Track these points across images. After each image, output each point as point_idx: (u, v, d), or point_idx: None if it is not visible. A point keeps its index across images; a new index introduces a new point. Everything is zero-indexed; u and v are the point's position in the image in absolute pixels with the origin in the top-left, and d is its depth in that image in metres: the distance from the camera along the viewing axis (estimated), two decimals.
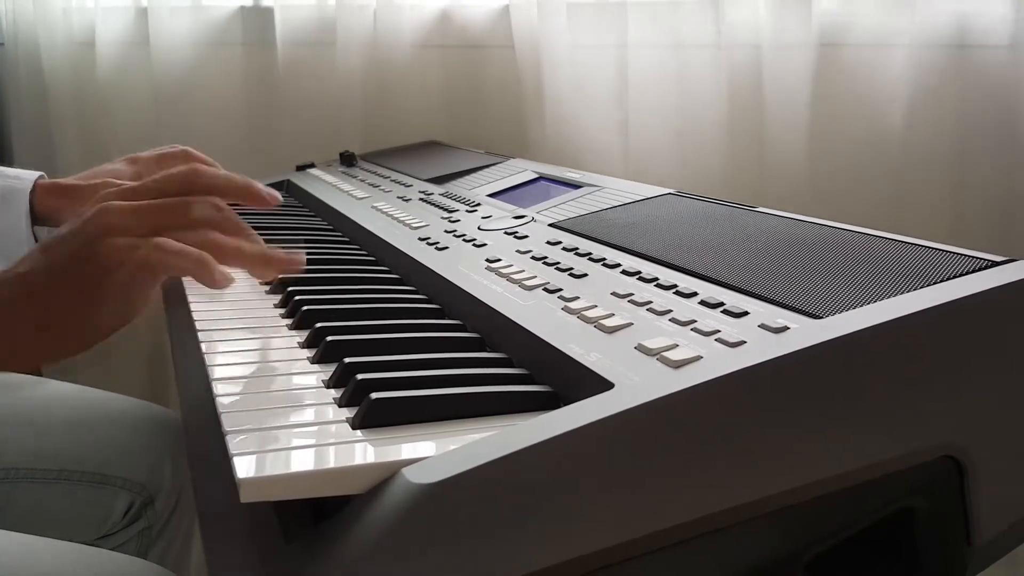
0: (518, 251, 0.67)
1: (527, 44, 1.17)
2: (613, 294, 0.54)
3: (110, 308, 0.50)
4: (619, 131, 1.15)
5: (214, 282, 0.50)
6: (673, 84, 1.12)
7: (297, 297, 0.62)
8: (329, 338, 0.53)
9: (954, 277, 0.48)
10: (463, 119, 1.31)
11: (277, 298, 0.65)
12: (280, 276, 0.57)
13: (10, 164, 1.47)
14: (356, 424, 0.42)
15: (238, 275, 0.66)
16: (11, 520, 0.75)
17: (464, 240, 0.72)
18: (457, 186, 0.95)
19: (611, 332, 0.48)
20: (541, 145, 1.18)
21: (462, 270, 0.64)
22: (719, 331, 0.46)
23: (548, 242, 0.68)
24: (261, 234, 0.82)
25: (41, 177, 0.90)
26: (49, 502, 0.80)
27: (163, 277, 0.50)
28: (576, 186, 0.84)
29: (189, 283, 0.66)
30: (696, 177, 1.11)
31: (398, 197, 0.94)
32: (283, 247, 0.78)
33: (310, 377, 0.49)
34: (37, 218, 0.89)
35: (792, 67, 1.03)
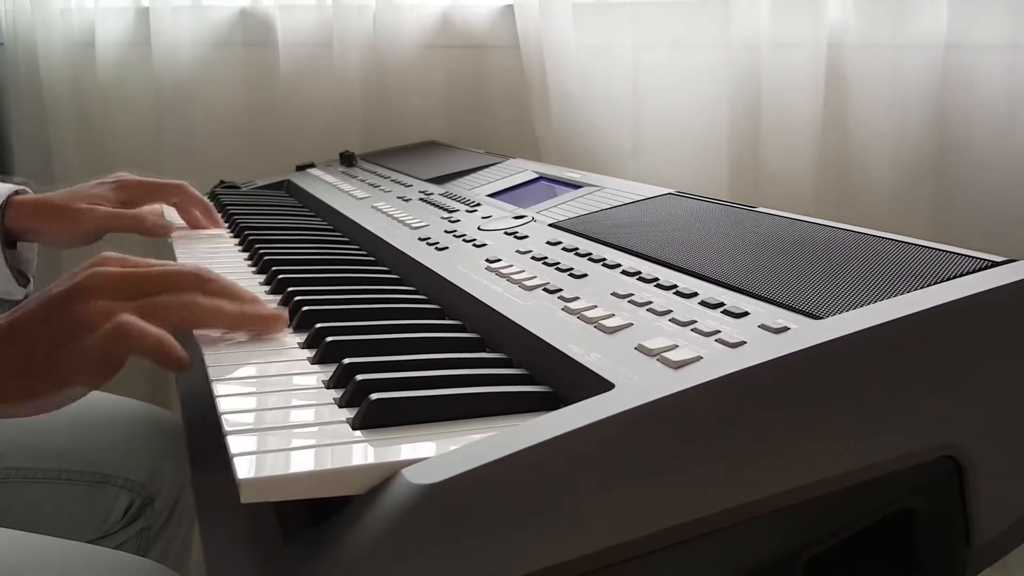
0: (518, 251, 0.67)
1: (532, 44, 1.17)
2: (613, 294, 0.54)
3: (77, 368, 0.50)
4: (627, 130, 1.15)
5: (172, 364, 0.50)
6: (680, 84, 1.12)
7: (297, 297, 0.62)
8: (329, 339, 0.53)
9: (954, 277, 0.48)
10: (463, 119, 1.31)
11: (277, 299, 0.65)
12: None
13: (10, 166, 1.47)
14: (356, 425, 0.42)
15: (237, 275, 0.66)
16: (11, 520, 0.75)
17: (464, 240, 0.72)
18: (457, 186, 0.95)
19: (611, 332, 0.48)
20: (548, 145, 1.18)
21: (462, 270, 0.64)
22: (719, 331, 0.46)
23: (548, 242, 0.68)
24: (262, 235, 0.83)
25: (21, 191, 0.86)
26: (49, 502, 0.80)
27: (126, 354, 0.50)
28: (576, 186, 0.84)
29: None
30: (705, 176, 1.11)
31: (398, 197, 0.94)
32: (284, 247, 0.79)
33: (310, 378, 0.49)
34: (15, 234, 0.85)
35: (799, 68, 1.03)
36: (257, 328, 0.56)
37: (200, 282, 0.54)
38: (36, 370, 0.50)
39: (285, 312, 0.57)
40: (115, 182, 0.88)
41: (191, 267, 0.55)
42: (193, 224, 0.91)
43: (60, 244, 0.88)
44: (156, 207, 0.93)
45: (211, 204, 0.93)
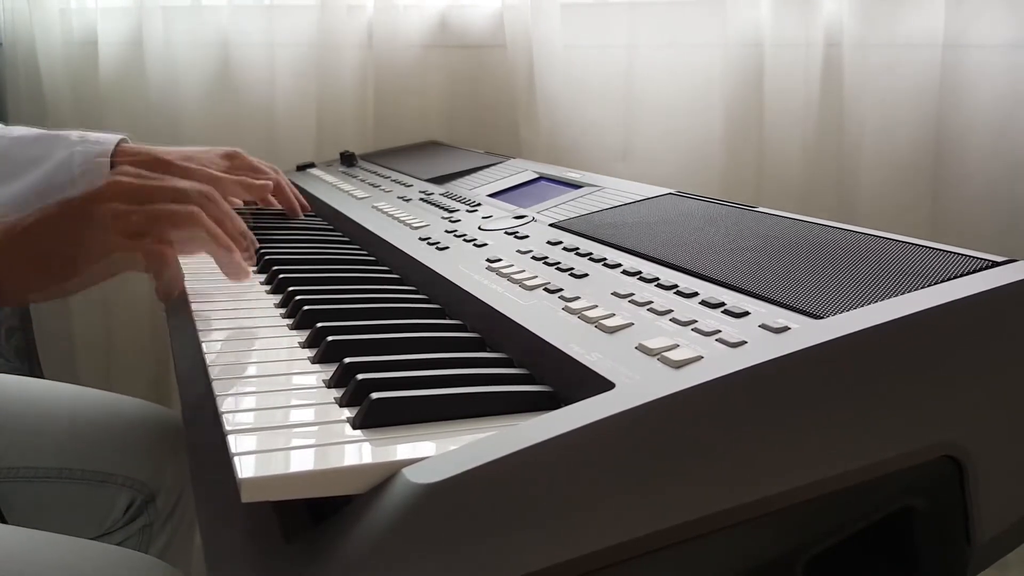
0: (519, 251, 0.67)
1: (520, 44, 1.17)
2: (614, 294, 0.54)
3: (87, 260, 0.59)
4: (617, 132, 1.15)
5: (167, 297, 0.61)
6: (670, 84, 1.12)
7: (298, 297, 0.62)
8: (330, 338, 0.53)
9: (954, 277, 0.48)
10: (463, 119, 1.31)
11: (278, 298, 0.65)
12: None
13: None
14: (357, 424, 0.42)
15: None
16: (12, 519, 0.75)
17: (464, 240, 0.72)
18: (457, 186, 0.95)
19: (612, 332, 0.48)
20: (535, 145, 1.18)
21: (463, 270, 0.64)
22: (720, 331, 0.46)
23: (548, 242, 0.68)
24: (262, 235, 0.83)
25: (124, 140, 0.91)
26: (50, 500, 0.80)
27: (140, 270, 0.60)
28: (576, 186, 0.84)
29: (189, 282, 0.66)
30: (694, 177, 1.11)
31: (398, 197, 0.94)
32: (284, 247, 0.79)
33: (311, 377, 0.49)
34: None
35: (796, 67, 1.03)
36: (228, 273, 0.64)
37: (205, 203, 0.62)
38: (53, 263, 0.59)
39: (251, 272, 0.65)
40: (226, 151, 0.93)
41: (200, 187, 0.63)
42: (289, 208, 0.97)
43: None
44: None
45: (297, 203, 0.97)
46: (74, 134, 0.90)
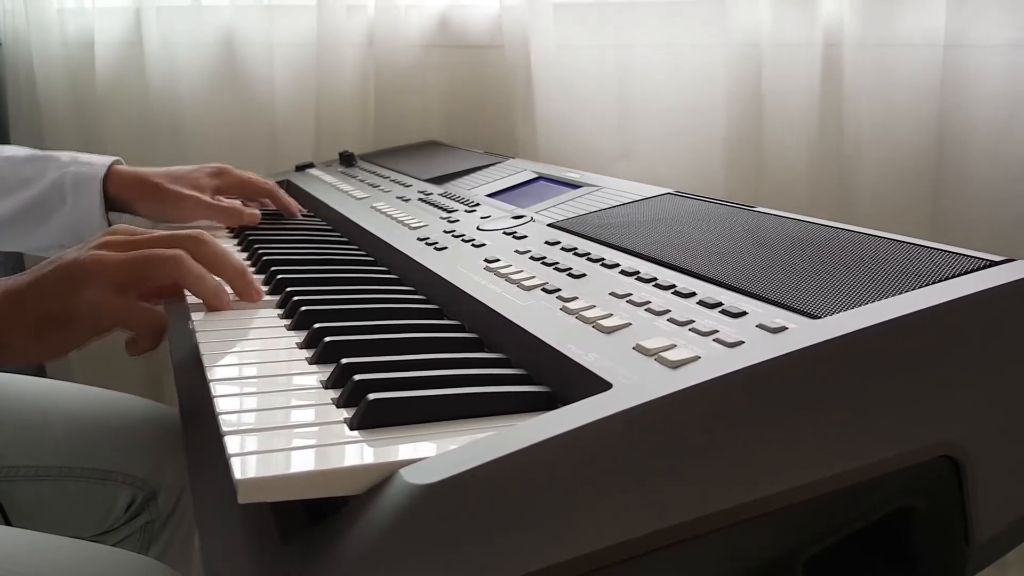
0: (517, 251, 0.67)
1: (518, 45, 1.17)
2: (611, 294, 0.54)
3: (77, 340, 0.61)
4: (614, 131, 1.15)
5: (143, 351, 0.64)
6: (670, 84, 1.12)
7: (296, 297, 0.62)
8: (327, 339, 0.53)
9: (953, 277, 0.48)
10: (463, 119, 1.31)
11: (276, 298, 0.65)
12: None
13: None
14: (354, 425, 0.42)
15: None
16: (13, 518, 0.75)
17: (463, 240, 0.72)
18: (456, 186, 0.95)
19: (609, 332, 0.48)
20: (531, 145, 1.18)
21: (461, 270, 0.64)
22: (717, 331, 0.46)
23: (547, 242, 0.68)
24: (261, 235, 0.83)
25: (117, 162, 0.91)
26: (50, 499, 0.80)
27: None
28: (575, 186, 0.84)
29: None
30: (694, 177, 1.11)
31: (397, 197, 0.94)
32: (282, 247, 0.79)
33: (308, 377, 0.49)
34: (112, 203, 0.90)
35: (796, 68, 1.03)
36: (219, 309, 0.63)
37: (195, 245, 0.62)
38: (46, 325, 0.60)
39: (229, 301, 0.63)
40: (214, 169, 0.93)
41: (190, 232, 0.63)
42: (285, 207, 0.98)
43: (153, 220, 0.93)
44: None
45: (295, 204, 0.97)
46: (65, 155, 0.90)
